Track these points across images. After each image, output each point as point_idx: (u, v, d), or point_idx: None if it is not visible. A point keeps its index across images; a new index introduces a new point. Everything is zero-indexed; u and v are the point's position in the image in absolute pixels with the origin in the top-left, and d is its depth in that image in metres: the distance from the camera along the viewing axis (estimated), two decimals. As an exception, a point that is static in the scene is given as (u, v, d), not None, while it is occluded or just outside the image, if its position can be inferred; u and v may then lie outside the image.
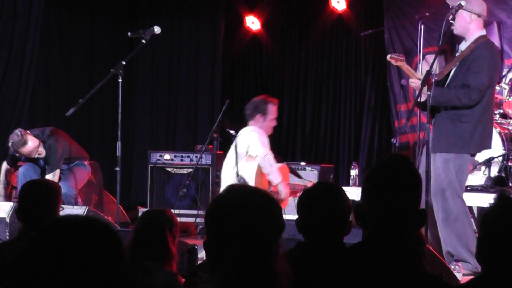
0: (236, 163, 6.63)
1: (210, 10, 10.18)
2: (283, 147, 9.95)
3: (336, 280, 2.36)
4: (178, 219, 4.03)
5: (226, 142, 9.02)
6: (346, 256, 2.46)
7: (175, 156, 8.40)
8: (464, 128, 5.58)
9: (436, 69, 5.76)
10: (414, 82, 5.70)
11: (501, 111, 7.39)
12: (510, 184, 7.12)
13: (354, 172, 8.14)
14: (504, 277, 2.45)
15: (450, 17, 5.57)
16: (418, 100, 5.62)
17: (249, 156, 6.58)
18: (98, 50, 9.90)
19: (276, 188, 6.60)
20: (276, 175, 6.57)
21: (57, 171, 6.98)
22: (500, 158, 7.16)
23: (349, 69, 9.74)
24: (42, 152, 6.94)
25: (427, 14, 7.40)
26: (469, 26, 5.66)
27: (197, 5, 10.23)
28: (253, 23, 10.04)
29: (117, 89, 6.28)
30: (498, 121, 7.32)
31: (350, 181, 8.15)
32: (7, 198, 7.10)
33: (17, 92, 8.45)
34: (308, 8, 9.90)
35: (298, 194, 6.69)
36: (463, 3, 5.53)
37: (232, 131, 8.52)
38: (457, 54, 5.79)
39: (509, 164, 7.19)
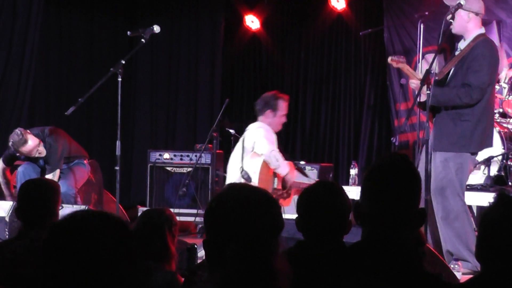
0: (242, 158, 6.65)
1: (210, 9, 10.18)
2: (282, 146, 9.94)
3: (335, 279, 2.36)
4: (178, 218, 4.04)
5: (225, 142, 9.03)
6: (345, 255, 2.46)
7: (174, 155, 8.40)
8: (465, 127, 5.58)
9: (435, 68, 5.76)
10: (414, 83, 5.70)
11: (501, 110, 7.39)
12: (510, 183, 7.13)
13: (353, 171, 8.14)
14: (504, 276, 2.45)
15: (449, 16, 5.56)
16: (418, 99, 5.62)
17: (255, 153, 6.59)
18: (97, 49, 9.90)
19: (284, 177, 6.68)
20: (283, 167, 6.65)
21: (57, 171, 6.97)
22: (500, 157, 7.17)
23: (349, 68, 9.74)
24: (42, 151, 6.93)
25: (426, 13, 7.38)
26: (467, 25, 5.66)
27: (197, 4, 10.23)
28: (252, 22, 10.04)
29: (117, 88, 6.27)
30: (498, 120, 7.32)
31: (350, 180, 8.15)
32: (14, 197, 7.08)
33: (16, 92, 8.45)
34: (308, 7, 9.90)
35: None
36: (462, 2, 5.52)
37: (231, 130, 8.53)
38: (457, 53, 5.79)
39: (509, 163, 7.19)
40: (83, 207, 6.02)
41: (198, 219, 7.81)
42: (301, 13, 10.01)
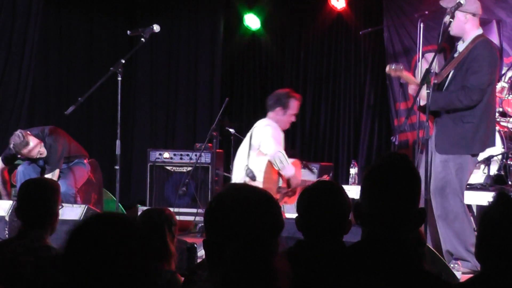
0: (248, 155, 6.64)
1: (210, 8, 10.18)
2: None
3: (335, 279, 2.36)
4: (178, 217, 4.04)
5: (225, 141, 9.03)
6: (345, 255, 2.46)
7: (174, 155, 8.40)
8: (467, 129, 5.57)
9: (435, 67, 5.76)
10: (413, 89, 5.68)
11: (501, 109, 7.38)
12: (510, 183, 7.13)
13: (353, 171, 8.14)
14: (504, 276, 2.45)
15: (449, 16, 5.55)
16: (418, 100, 5.62)
17: (260, 151, 6.59)
18: (97, 49, 9.90)
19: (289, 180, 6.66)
20: (288, 169, 6.61)
21: (57, 171, 6.97)
22: (500, 157, 7.17)
23: (349, 67, 9.73)
24: (43, 152, 6.94)
25: (426, 12, 7.38)
26: (465, 26, 5.65)
27: (197, 3, 10.23)
28: (252, 21, 10.04)
29: (117, 88, 6.27)
30: (498, 120, 7.32)
31: (350, 180, 8.15)
32: (10, 196, 7.08)
33: (16, 91, 8.45)
34: (308, 6, 9.90)
35: None
36: (462, 1, 5.52)
37: (231, 130, 8.53)
38: (455, 55, 5.77)
39: (509, 162, 7.19)
40: (83, 206, 6.02)
41: (198, 218, 7.81)
42: (301, 12, 10.01)
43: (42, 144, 6.93)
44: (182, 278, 3.45)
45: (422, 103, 5.53)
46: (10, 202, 6.21)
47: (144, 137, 10.21)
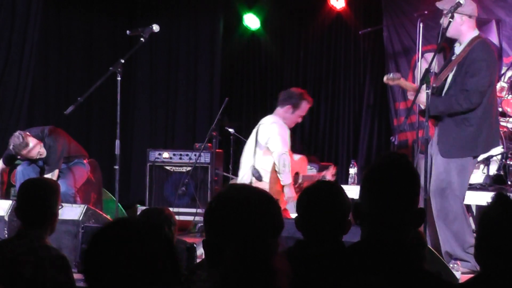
0: (255, 152, 6.63)
1: (209, 8, 10.18)
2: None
3: (335, 278, 2.37)
4: (177, 217, 4.04)
5: (225, 141, 9.03)
6: (345, 255, 2.47)
7: (174, 155, 8.40)
8: (470, 131, 5.56)
9: (435, 67, 5.76)
10: (412, 95, 5.68)
11: (500, 109, 7.38)
12: (509, 182, 7.13)
13: (353, 171, 8.14)
14: (503, 276, 2.45)
15: (449, 16, 5.55)
16: (416, 101, 5.62)
17: (267, 149, 6.58)
18: (97, 49, 9.90)
19: (283, 188, 6.59)
20: (286, 176, 6.56)
21: (56, 171, 6.97)
22: (499, 157, 7.17)
23: (348, 67, 9.73)
24: (43, 152, 6.94)
25: (426, 12, 7.39)
26: (461, 28, 5.63)
27: (196, 3, 10.23)
28: (252, 21, 10.04)
29: (116, 87, 6.27)
30: (497, 120, 7.33)
31: (349, 180, 8.15)
32: (4, 196, 7.09)
33: (16, 91, 8.44)
34: (307, 6, 9.90)
35: None
36: (462, 1, 5.51)
37: (231, 130, 8.53)
38: (453, 58, 5.76)
39: (508, 162, 7.19)
40: (82, 206, 6.02)
41: (197, 218, 7.81)
42: (300, 12, 10.01)
43: (42, 144, 6.93)
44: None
45: (422, 99, 5.52)
46: (10, 202, 6.21)
47: (144, 137, 10.21)
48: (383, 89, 9.37)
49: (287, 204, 6.69)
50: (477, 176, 7.13)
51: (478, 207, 6.84)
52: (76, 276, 3.74)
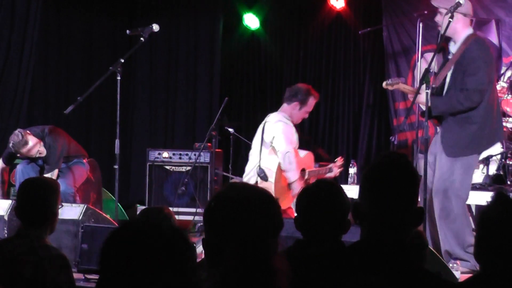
0: (260, 151, 6.63)
1: (209, 8, 10.18)
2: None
3: (334, 278, 2.37)
4: (177, 217, 4.04)
5: (224, 140, 9.03)
6: (345, 254, 2.47)
7: (173, 154, 8.40)
8: (474, 129, 5.57)
9: (434, 67, 5.76)
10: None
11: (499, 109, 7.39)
12: (509, 182, 7.13)
13: (352, 170, 8.15)
14: (503, 275, 2.45)
15: (440, 15, 5.56)
16: (416, 101, 5.63)
17: (273, 148, 6.58)
18: (96, 48, 9.89)
19: (290, 185, 6.61)
20: (293, 173, 6.57)
21: (55, 171, 6.97)
22: (499, 156, 7.17)
23: (348, 67, 9.73)
24: (43, 151, 6.94)
25: (425, 12, 7.39)
26: (456, 27, 5.64)
27: (196, 3, 10.23)
28: (251, 21, 10.04)
29: (116, 87, 6.27)
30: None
31: (349, 179, 8.16)
32: (5, 196, 7.09)
33: (15, 91, 8.44)
34: (307, 6, 9.89)
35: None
36: (461, 1, 5.51)
37: (230, 129, 8.52)
38: (449, 57, 5.76)
39: (507, 162, 7.19)
40: (82, 205, 6.02)
41: (197, 218, 7.81)
42: (300, 12, 10.01)
43: (42, 143, 6.93)
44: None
45: (422, 100, 5.52)
46: (9, 201, 6.21)
47: (143, 137, 10.21)
48: (382, 89, 9.32)
49: (292, 202, 6.69)
50: (477, 176, 7.13)
51: (478, 206, 6.84)
52: (76, 276, 3.74)
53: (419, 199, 3.54)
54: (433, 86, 5.55)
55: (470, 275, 3.51)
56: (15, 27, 8.40)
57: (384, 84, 5.85)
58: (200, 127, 9.90)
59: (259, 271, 1.97)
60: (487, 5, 8.15)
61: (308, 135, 9.97)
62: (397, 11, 9.08)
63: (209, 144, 7.91)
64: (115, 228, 1.82)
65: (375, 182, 2.40)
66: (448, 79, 5.70)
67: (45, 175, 6.78)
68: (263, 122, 6.84)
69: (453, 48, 5.70)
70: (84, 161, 7.38)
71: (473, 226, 5.82)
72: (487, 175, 7.12)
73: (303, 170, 6.85)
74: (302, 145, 7.03)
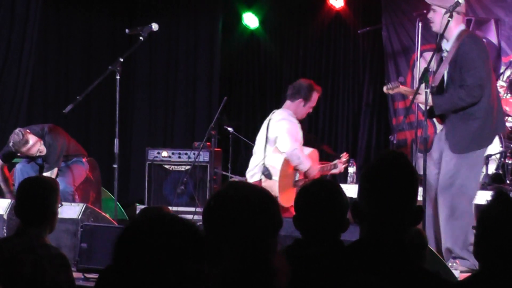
0: (265, 148, 6.63)
1: (208, 7, 10.18)
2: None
3: (334, 277, 2.37)
4: (176, 216, 4.03)
5: (224, 140, 9.03)
6: (344, 254, 2.47)
7: (172, 153, 8.40)
8: (477, 125, 5.58)
9: (433, 66, 5.76)
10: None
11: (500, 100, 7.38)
12: (508, 181, 7.14)
13: (351, 169, 8.15)
14: (502, 274, 2.46)
15: (448, 15, 5.55)
16: (415, 101, 5.63)
17: (276, 148, 6.58)
18: (96, 47, 9.89)
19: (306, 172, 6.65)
20: (304, 164, 6.59)
21: (55, 170, 6.97)
22: (498, 155, 7.17)
23: (347, 66, 9.73)
24: (43, 150, 6.94)
25: (425, 11, 7.38)
26: (449, 25, 5.64)
27: (195, 2, 10.23)
28: (251, 20, 10.04)
29: (115, 86, 6.27)
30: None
31: (348, 178, 8.16)
32: (11, 193, 7.06)
33: (15, 90, 8.44)
34: (306, 5, 9.90)
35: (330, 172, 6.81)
36: (461, 0, 5.51)
37: (230, 128, 8.52)
38: (444, 55, 5.76)
39: (507, 161, 7.20)
40: (81, 205, 6.02)
41: (196, 217, 7.80)
42: (300, 11, 10.01)
43: (42, 142, 6.92)
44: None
45: (421, 107, 5.54)
46: (9, 200, 6.21)
47: (143, 136, 10.21)
48: (382, 88, 9.35)
49: None
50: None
51: (477, 206, 6.84)
52: (75, 275, 3.74)
53: (419, 198, 3.55)
54: (433, 85, 5.56)
55: (469, 274, 3.51)
56: (15, 27, 8.40)
57: (384, 89, 5.89)
58: (199, 126, 9.90)
59: (258, 271, 1.97)
60: (487, 5, 8.15)
61: (308, 134, 9.97)
62: (396, 10, 9.09)
63: (208, 143, 7.91)
64: (131, 222, 1.83)
65: (374, 181, 2.40)
66: (446, 77, 5.71)
67: (45, 174, 6.78)
68: (268, 119, 6.83)
69: (447, 45, 5.70)
70: (84, 160, 7.38)
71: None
72: (487, 174, 7.12)
73: None
74: (306, 142, 7.03)
